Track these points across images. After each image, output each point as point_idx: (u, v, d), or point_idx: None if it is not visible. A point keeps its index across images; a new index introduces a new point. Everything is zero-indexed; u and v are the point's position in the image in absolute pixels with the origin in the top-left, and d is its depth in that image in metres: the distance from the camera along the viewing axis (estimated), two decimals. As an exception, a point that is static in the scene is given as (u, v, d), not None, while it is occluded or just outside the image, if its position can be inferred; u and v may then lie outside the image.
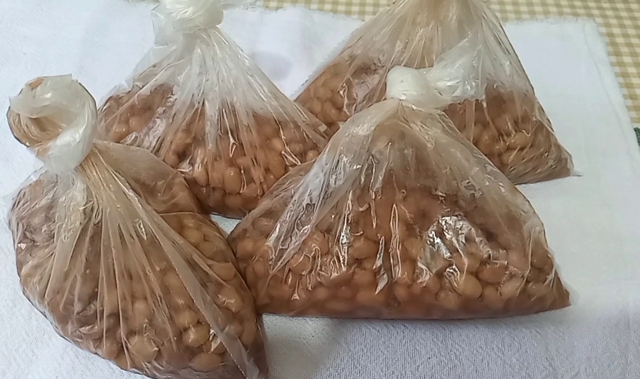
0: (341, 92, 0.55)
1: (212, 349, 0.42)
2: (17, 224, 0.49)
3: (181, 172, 0.52)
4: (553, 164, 0.56)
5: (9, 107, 0.38)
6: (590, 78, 0.67)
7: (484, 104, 0.51)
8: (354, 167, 0.43)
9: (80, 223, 0.41)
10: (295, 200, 0.45)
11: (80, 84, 0.38)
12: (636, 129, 0.62)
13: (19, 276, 0.48)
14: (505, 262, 0.44)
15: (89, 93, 0.39)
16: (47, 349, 0.47)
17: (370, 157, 0.44)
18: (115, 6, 0.77)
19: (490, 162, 0.44)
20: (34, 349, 0.47)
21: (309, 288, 0.45)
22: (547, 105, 0.57)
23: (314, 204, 0.44)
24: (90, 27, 0.74)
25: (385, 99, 0.43)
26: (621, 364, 0.46)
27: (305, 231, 0.44)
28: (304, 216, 0.45)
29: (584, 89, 0.66)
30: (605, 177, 0.57)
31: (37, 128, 0.38)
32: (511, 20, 0.76)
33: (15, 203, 0.51)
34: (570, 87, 0.65)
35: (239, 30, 0.73)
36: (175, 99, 0.52)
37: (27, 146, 0.39)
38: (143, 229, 0.41)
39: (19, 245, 0.48)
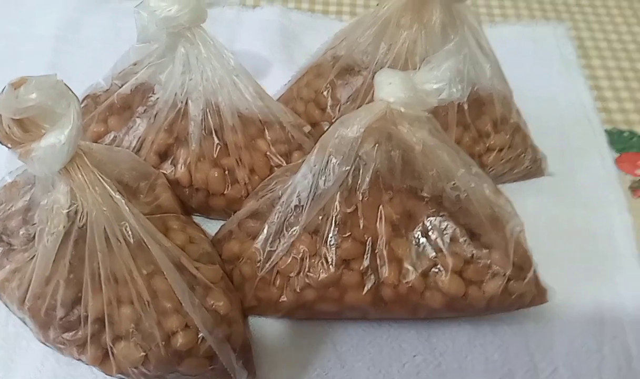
0: (325, 93, 0.55)
1: (201, 353, 0.41)
2: (-9, 227, 0.48)
3: (163, 173, 0.51)
4: (529, 165, 0.57)
5: (-9, 107, 0.36)
6: (562, 80, 0.69)
7: (465, 107, 0.53)
8: (343, 169, 0.43)
9: (64, 226, 0.40)
10: (283, 201, 0.45)
11: (65, 84, 0.37)
12: (606, 130, 0.64)
13: (-5, 280, 0.46)
14: (488, 262, 0.45)
15: (74, 93, 0.38)
16: (26, 357, 0.46)
17: (357, 158, 0.44)
18: (87, 2, 0.75)
19: (475, 164, 0.45)
20: (12, 356, 0.46)
21: (297, 290, 0.45)
22: (521, 106, 0.59)
23: (302, 205, 0.44)
24: (62, 24, 0.72)
25: (369, 101, 0.43)
26: (597, 359, 0.47)
27: (294, 233, 0.45)
28: (292, 217, 0.45)
29: (556, 91, 0.68)
30: (578, 177, 0.59)
31: (19, 129, 0.37)
32: (484, 24, 0.77)
33: (-12, 205, 0.49)
34: (543, 89, 0.67)
35: (217, 28, 0.70)
36: (157, 99, 0.51)
37: (9, 148, 0.37)
38: (130, 232, 0.40)
39: (-7, 249, 0.47)
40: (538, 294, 0.48)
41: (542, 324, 0.49)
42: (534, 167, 0.58)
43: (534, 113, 0.61)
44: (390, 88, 0.42)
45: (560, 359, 0.47)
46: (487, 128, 0.54)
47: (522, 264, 0.47)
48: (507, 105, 0.55)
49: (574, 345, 0.48)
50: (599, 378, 0.46)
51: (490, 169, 0.55)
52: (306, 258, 0.45)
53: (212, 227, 0.53)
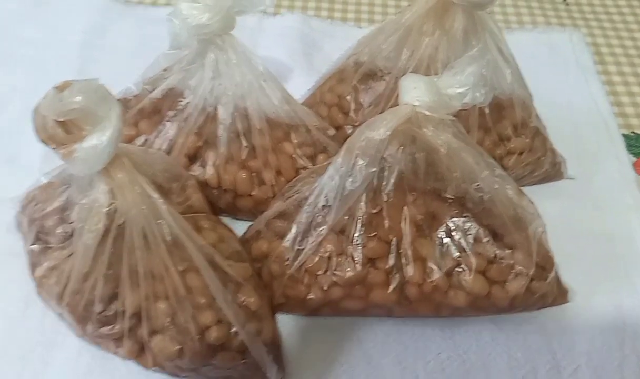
0: (348, 98, 0.57)
1: (234, 347, 0.43)
2: (29, 226, 0.49)
3: (192, 174, 0.53)
4: (548, 168, 0.58)
5: (35, 109, 0.38)
6: (578, 86, 0.70)
7: (487, 110, 0.54)
8: (370, 170, 0.44)
9: (103, 225, 0.41)
10: (310, 202, 0.47)
11: (106, 88, 0.39)
12: (624, 135, 0.65)
13: (33, 278, 0.48)
14: (512, 262, 0.46)
15: (115, 97, 0.40)
16: (62, 351, 0.47)
17: (382, 160, 0.45)
18: (113, 9, 0.77)
19: (498, 166, 0.47)
20: (49, 351, 0.47)
21: (325, 288, 0.47)
22: (540, 112, 0.60)
23: (329, 206, 0.46)
24: (89, 30, 0.74)
25: (392, 105, 0.45)
26: (619, 357, 0.48)
27: (322, 232, 0.46)
28: (320, 217, 0.46)
29: (572, 97, 0.69)
30: (596, 181, 0.60)
31: (62, 131, 0.39)
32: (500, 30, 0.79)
33: (24, 205, 0.51)
34: (560, 95, 0.69)
35: (239, 35, 0.74)
36: (187, 103, 0.53)
37: (53, 148, 0.39)
38: (166, 230, 0.42)
39: (31, 247, 0.48)
40: (559, 294, 0.49)
41: (563, 324, 0.50)
42: (553, 171, 0.59)
43: (551, 118, 0.62)
44: (415, 92, 0.43)
45: (582, 357, 0.48)
46: (508, 132, 0.56)
47: (544, 264, 0.48)
48: (527, 109, 0.57)
49: (595, 344, 0.49)
50: (620, 376, 0.47)
51: (511, 172, 0.56)
52: (333, 257, 0.46)
53: (239, 227, 0.54)
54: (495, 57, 0.53)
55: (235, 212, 0.55)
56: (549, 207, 0.56)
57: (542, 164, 0.58)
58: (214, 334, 0.42)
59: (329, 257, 0.46)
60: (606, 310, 0.51)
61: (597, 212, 0.58)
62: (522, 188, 0.56)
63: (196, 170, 0.53)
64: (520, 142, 0.56)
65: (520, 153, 0.56)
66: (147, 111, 0.55)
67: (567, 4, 0.83)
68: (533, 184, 0.60)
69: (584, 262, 0.53)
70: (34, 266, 0.48)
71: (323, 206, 0.46)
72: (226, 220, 0.56)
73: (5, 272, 0.51)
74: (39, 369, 0.46)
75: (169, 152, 0.54)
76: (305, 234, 0.47)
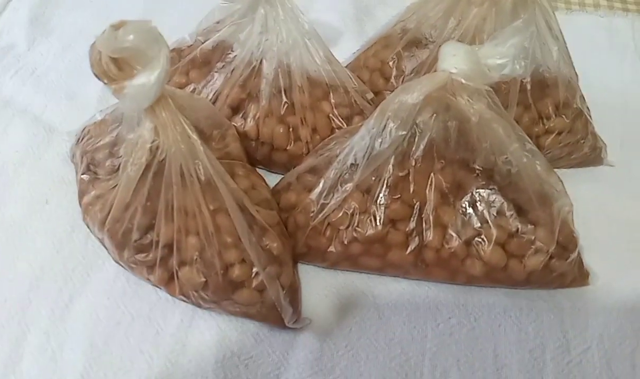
0: (390, 64, 0.58)
1: (254, 286, 0.46)
2: (81, 157, 0.53)
3: (234, 125, 0.56)
4: (588, 152, 0.57)
5: (92, 44, 0.41)
6: (633, 73, 0.68)
7: (528, 86, 0.53)
8: (400, 133, 0.45)
9: (146, 159, 0.44)
10: (340, 159, 0.48)
11: (158, 30, 0.42)
12: (674, 127, 0.63)
13: (80, 205, 0.52)
14: (533, 237, 0.47)
15: (165, 40, 0.42)
16: (100, 273, 0.51)
17: (414, 126, 0.46)
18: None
19: (530, 140, 0.47)
20: (89, 271, 0.51)
21: (345, 242, 0.48)
22: (588, 95, 0.59)
23: (357, 164, 0.47)
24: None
25: (435, 71, 0.45)
26: (632, 345, 0.48)
27: (347, 189, 0.48)
28: (347, 174, 0.48)
29: (626, 84, 0.67)
30: (636, 170, 0.59)
31: (115, 67, 0.42)
32: (561, 10, 0.77)
33: (79, 139, 0.55)
34: (613, 80, 0.67)
35: (294, -4, 0.75)
36: (235, 56, 0.55)
37: (105, 83, 0.42)
38: (202, 171, 0.44)
39: (81, 177, 0.52)
40: (580, 276, 0.49)
41: (579, 305, 0.50)
42: (593, 155, 0.58)
43: (600, 102, 0.61)
44: (454, 59, 0.44)
45: (594, 340, 0.48)
46: (548, 110, 0.55)
47: (567, 244, 0.48)
48: (572, 89, 0.56)
49: (610, 329, 0.49)
50: (631, 363, 0.47)
51: (547, 152, 0.56)
52: (356, 214, 0.48)
53: (273, 180, 0.56)
54: (543, 33, 0.52)
55: (270, 165, 0.58)
56: (584, 191, 0.56)
57: (582, 147, 0.57)
58: (236, 271, 0.45)
59: (352, 214, 0.48)
60: (626, 297, 0.50)
61: (634, 201, 0.56)
62: (558, 170, 0.56)
63: (238, 121, 0.56)
64: (560, 122, 0.55)
65: (559, 133, 0.55)
66: (198, 61, 0.58)
67: (636, -11, 0.79)
68: (571, 167, 0.59)
69: (610, 248, 0.53)
70: (82, 194, 0.52)
71: (351, 164, 0.48)
72: (262, 172, 0.58)
73: (57, 198, 0.56)
74: (79, 287, 0.51)
75: (214, 102, 0.56)
76: (331, 189, 0.48)
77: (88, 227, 0.53)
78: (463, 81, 0.43)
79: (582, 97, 0.57)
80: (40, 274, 0.51)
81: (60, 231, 0.54)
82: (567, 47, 0.55)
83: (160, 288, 0.49)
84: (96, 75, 0.42)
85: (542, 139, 0.56)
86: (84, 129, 0.55)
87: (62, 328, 0.48)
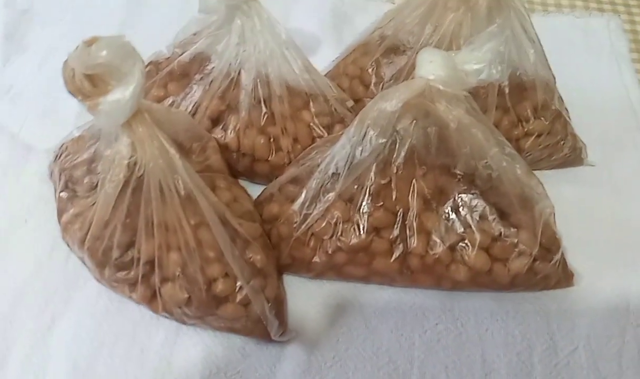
0: (370, 71, 0.58)
1: (238, 300, 0.45)
2: (59, 175, 0.53)
3: (214, 137, 0.55)
4: (568, 153, 0.58)
5: (65, 61, 0.41)
6: (610, 73, 0.69)
7: (506, 90, 0.54)
8: (380, 141, 0.45)
9: (124, 176, 0.44)
10: (321, 169, 0.48)
11: (132, 45, 0.41)
12: (651, 125, 0.64)
13: (59, 223, 0.51)
14: (516, 240, 0.47)
15: (139, 54, 0.42)
16: (82, 292, 0.50)
17: (395, 133, 0.46)
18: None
19: (509, 145, 0.47)
20: (70, 291, 0.50)
21: (329, 252, 0.48)
22: (566, 96, 0.59)
23: (339, 173, 0.47)
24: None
25: (413, 78, 0.45)
26: (618, 343, 0.48)
27: (330, 198, 0.47)
28: (329, 184, 0.48)
29: (603, 83, 0.67)
30: (617, 169, 0.59)
31: (89, 84, 0.41)
32: (538, 12, 0.77)
33: (57, 156, 0.54)
34: (590, 81, 0.67)
35: (272, 6, 0.74)
36: (213, 67, 0.55)
37: (79, 100, 0.41)
38: (181, 185, 0.44)
39: (60, 194, 0.52)
40: (564, 278, 0.50)
41: (565, 306, 0.50)
42: (573, 156, 0.59)
43: (578, 103, 0.61)
44: (430, 66, 0.44)
45: (581, 340, 0.48)
46: (527, 113, 0.55)
47: (550, 246, 0.48)
48: (550, 91, 0.56)
49: (596, 329, 0.49)
50: (618, 362, 0.47)
51: (527, 154, 0.56)
52: (339, 223, 0.48)
53: (255, 190, 0.56)
54: (519, 36, 0.53)
55: (252, 176, 0.57)
56: (566, 191, 0.57)
57: (562, 148, 0.57)
58: (220, 286, 0.45)
59: (336, 224, 0.48)
60: (611, 297, 0.51)
61: (614, 200, 0.57)
62: (539, 172, 0.57)
63: (218, 133, 0.55)
64: (540, 124, 0.56)
65: (539, 135, 0.56)
66: (176, 73, 0.57)
67: (610, -11, 0.81)
68: (552, 168, 0.59)
69: (594, 248, 0.53)
70: (61, 212, 0.51)
71: (333, 173, 0.48)
72: (244, 183, 0.58)
73: (36, 217, 0.55)
74: (61, 307, 0.50)
75: (194, 114, 0.56)
76: (314, 199, 0.48)
77: (68, 246, 0.52)
78: (441, 87, 0.44)
79: (560, 98, 0.58)
80: (21, 296, 0.50)
81: (40, 250, 0.53)
82: (543, 50, 0.55)
83: (143, 306, 0.48)
84: (70, 93, 0.41)
85: (522, 142, 0.56)
86: (61, 146, 0.55)
87: (44, 350, 0.47)
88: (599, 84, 0.67)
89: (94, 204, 0.47)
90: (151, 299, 0.47)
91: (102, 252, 0.47)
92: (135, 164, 0.43)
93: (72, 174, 0.51)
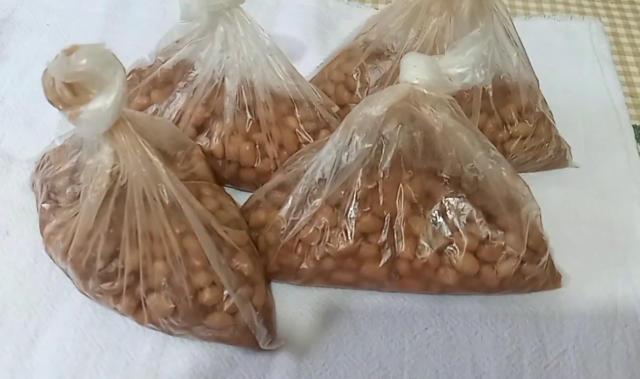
0: (354, 76, 0.58)
1: (225, 309, 0.44)
2: (41, 185, 0.52)
3: (198, 144, 0.55)
4: (553, 155, 0.58)
5: (45, 70, 0.40)
6: (592, 75, 0.69)
7: (490, 94, 0.54)
8: (366, 146, 0.45)
9: (107, 185, 0.43)
10: (307, 175, 0.48)
11: (112, 53, 0.41)
12: (634, 126, 0.64)
13: (42, 234, 0.51)
14: (503, 243, 0.47)
15: (120, 62, 0.41)
16: (66, 304, 0.49)
17: (381, 137, 0.46)
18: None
19: (494, 147, 0.47)
20: (54, 303, 0.50)
21: (317, 258, 0.48)
22: (550, 98, 0.60)
23: (325, 179, 0.47)
24: (112, 2, 0.76)
25: (397, 83, 0.45)
26: (607, 344, 0.48)
27: (316, 204, 0.47)
28: (315, 190, 0.47)
29: (586, 85, 0.68)
30: (601, 170, 0.60)
31: (70, 93, 0.40)
32: (520, 16, 0.78)
33: (39, 166, 0.54)
34: (573, 83, 0.68)
35: (256, 12, 0.75)
36: (197, 75, 0.54)
37: (60, 109, 0.41)
38: (165, 194, 0.43)
39: (42, 205, 0.51)
40: (552, 279, 0.50)
41: (554, 308, 0.50)
42: (558, 158, 0.59)
43: (561, 105, 0.62)
44: (415, 70, 0.44)
45: (570, 342, 0.49)
46: (511, 116, 0.56)
47: (537, 247, 0.48)
48: (533, 94, 0.57)
49: (585, 330, 0.49)
50: (607, 363, 0.48)
51: (513, 157, 0.57)
52: (327, 229, 0.47)
53: (241, 198, 0.55)
54: (502, 40, 0.53)
55: (238, 183, 0.57)
56: (552, 193, 0.57)
57: (546, 150, 0.58)
58: (206, 295, 0.44)
59: (323, 230, 0.47)
60: (599, 297, 0.51)
61: (600, 201, 0.57)
62: (525, 174, 0.57)
63: (203, 140, 0.55)
64: (524, 127, 0.56)
65: (523, 138, 0.56)
66: (159, 81, 0.57)
67: (591, -7, 0.82)
68: (537, 171, 0.60)
69: (581, 250, 0.53)
70: (43, 223, 0.50)
71: (319, 179, 0.47)
72: (230, 190, 0.57)
73: (18, 229, 0.54)
74: (44, 320, 0.49)
75: (178, 121, 0.55)
76: (301, 205, 0.48)
77: (51, 257, 0.51)
78: (425, 92, 0.44)
79: (544, 101, 0.58)
80: (3, 309, 0.49)
81: (23, 262, 0.52)
82: (526, 53, 0.56)
83: (128, 317, 0.48)
84: (50, 102, 0.41)
85: (507, 145, 0.56)
86: (43, 156, 0.54)
87: (27, 364, 0.46)
88: (582, 86, 0.68)
89: (76, 214, 0.47)
90: (136, 310, 0.46)
91: (85, 264, 0.46)
92: (118, 173, 0.43)
93: (54, 185, 0.51)
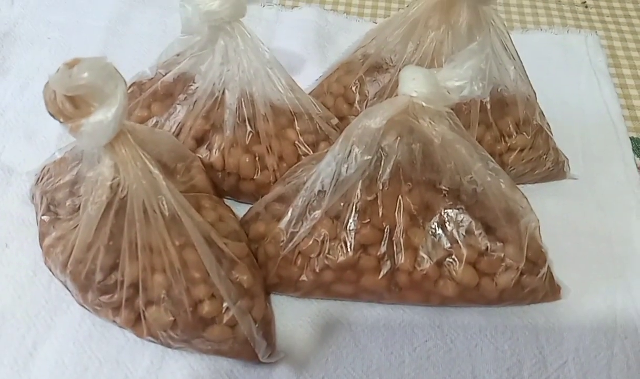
0: (353, 89, 0.58)
1: (225, 321, 0.44)
2: (41, 198, 0.52)
3: (198, 156, 0.55)
4: (551, 167, 0.59)
5: (46, 84, 0.40)
6: (590, 88, 0.70)
7: (488, 106, 0.54)
8: (365, 158, 0.45)
9: (107, 197, 0.43)
10: (307, 187, 0.48)
11: (113, 66, 0.41)
12: (631, 138, 0.65)
13: (41, 246, 0.50)
14: (502, 255, 0.47)
15: (121, 75, 0.42)
16: (65, 317, 0.49)
17: (380, 150, 0.46)
18: (136, -4, 0.80)
19: (492, 159, 0.47)
20: (52, 316, 0.49)
21: (317, 270, 0.48)
22: (547, 111, 0.60)
23: (325, 191, 0.47)
24: (113, 16, 0.76)
25: (396, 95, 0.46)
26: (607, 356, 0.48)
27: (316, 216, 0.47)
28: (315, 202, 0.48)
29: (583, 98, 0.69)
30: (599, 182, 0.60)
31: (71, 105, 0.41)
32: (517, 29, 0.79)
33: (39, 178, 0.54)
34: (571, 96, 0.69)
35: (256, 26, 0.75)
36: (197, 87, 0.55)
37: (61, 122, 0.41)
38: (165, 206, 0.43)
39: (42, 218, 0.51)
40: (551, 291, 0.50)
41: (553, 320, 0.50)
42: (556, 170, 0.59)
43: (559, 117, 0.62)
44: (413, 83, 0.44)
45: (570, 354, 0.48)
46: (509, 128, 0.56)
47: (536, 259, 0.48)
48: (531, 106, 0.57)
49: (585, 342, 0.49)
50: (607, 375, 0.47)
51: (511, 169, 0.57)
52: (326, 241, 0.47)
53: (241, 209, 0.56)
54: (499, 53, 0.53)
55: (238, 195, 0.57)
56: (550, 205, 0.57)
57: (544, 162, 0.58)
58: (206, 307, 0.44)
59: (323, 241, 0.47)
60: (598, 309, 0.51)
61: (598, 213, 0.58)
62: (523, 186, 0.57)
63: (203, 152, 0.55)
64: (522, 139, 0.56)
65: (521, 150, 0.56)
66: (159, 94, 0.57)
67: (586, 7, 0.83)
68: (535, 182, 0.60)
69: (580, 261, 0.54)
70: (43, 235, 0.50)
71: (319, 191, 0.47)
72: (229, 202, 0.57)
73: (18, 241, 0.54)
74: (43, 333, 0.48)
75: (178, 134, 0.55)
76: (300, 217, 0.48)
77: (50, 270, 0.51)
78: (424, 104, 0.44)
79: (542, 113, 0.59)
80: (1, 322, 0.49)
81: (22, 275, 0.52)
82: (523, 66, 0.56)
83: (127, 330, 0.47)
84: (52, 115, 0.41)
85: (505, 157, 0.57)
86: (43, 169, 0.54)
87: (25, 377, 0.46)
88: (579, 98, 0.69)
89: (76, 226, 0.47)
90: (135, 322, 0.46)
91: (84, 276, 0.46)
92: (118, 185, 0.43)
93: (54, 197, 0.51)
